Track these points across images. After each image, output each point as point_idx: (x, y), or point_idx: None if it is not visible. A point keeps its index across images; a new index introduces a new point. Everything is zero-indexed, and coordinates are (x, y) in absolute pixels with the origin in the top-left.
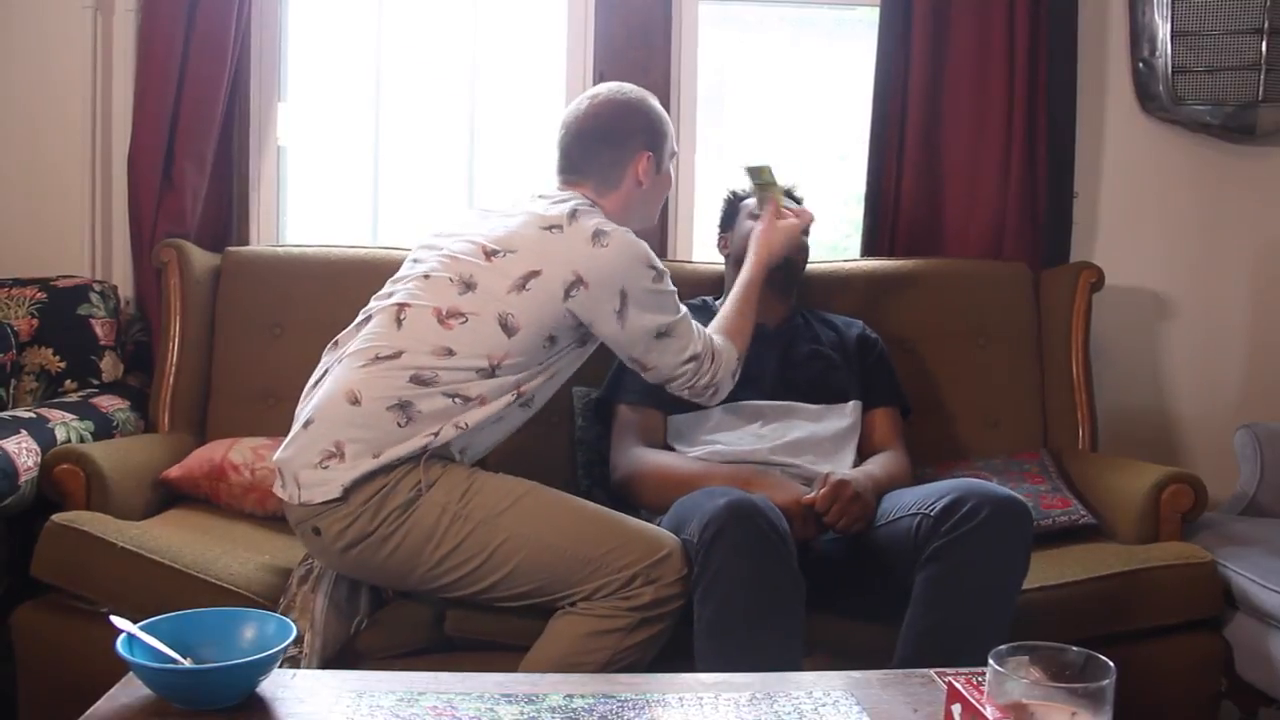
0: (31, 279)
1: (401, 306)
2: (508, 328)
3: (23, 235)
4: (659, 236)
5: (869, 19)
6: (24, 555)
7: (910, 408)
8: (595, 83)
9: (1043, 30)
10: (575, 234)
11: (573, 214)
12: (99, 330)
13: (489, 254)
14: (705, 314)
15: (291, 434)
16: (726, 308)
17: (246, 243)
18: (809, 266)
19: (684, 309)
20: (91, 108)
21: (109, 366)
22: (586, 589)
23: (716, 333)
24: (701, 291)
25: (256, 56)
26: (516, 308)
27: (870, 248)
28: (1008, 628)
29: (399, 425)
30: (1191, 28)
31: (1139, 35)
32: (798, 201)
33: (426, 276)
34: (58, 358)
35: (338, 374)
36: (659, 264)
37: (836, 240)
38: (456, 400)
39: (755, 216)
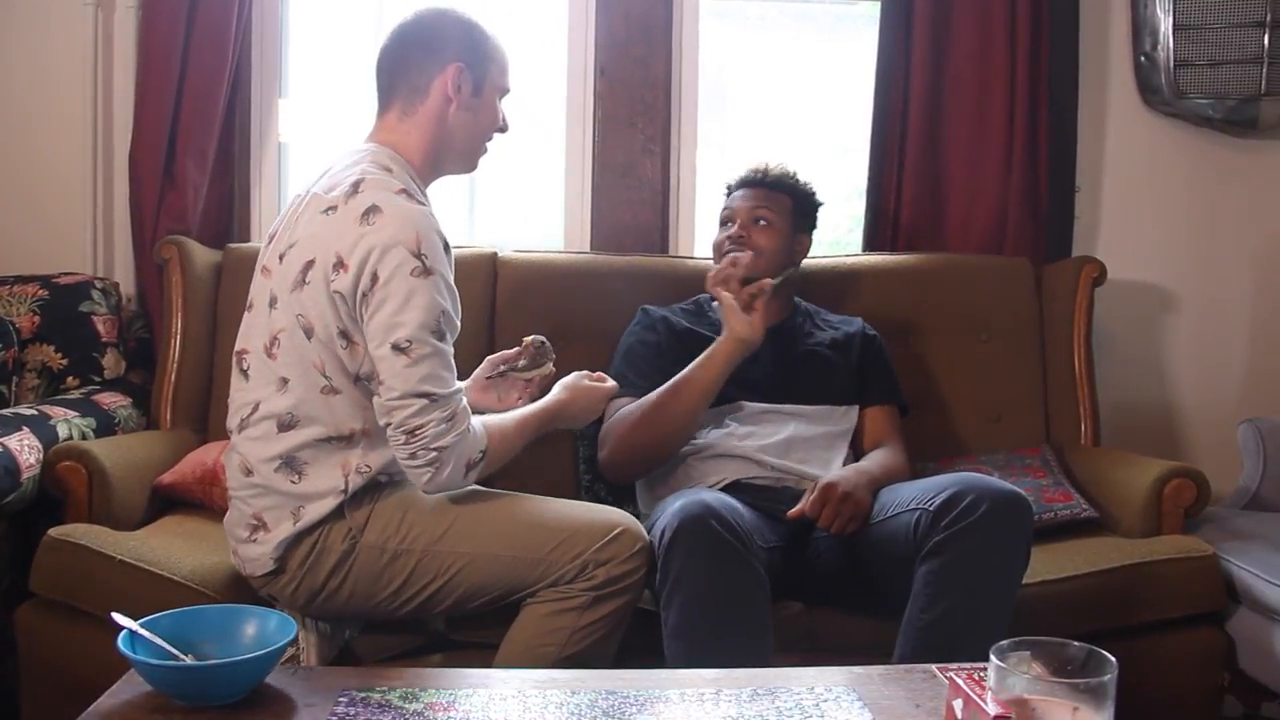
0: (33, 276)
1: (240, 356)
2: (306, 330)
3: (24, 232)
4: (659, 234)
5: (870, 14)
6: (26, 553)
7: (908, 406)
8: (597, 79)
9: (1044, 24)
10: (347, 213)
11: (353, 189)
12: (100, 327)
13: (282, 257)
14: (696, 315)
15: None
16: (505, 415)
17: (248, 239)
18: (811, 262)
19: (446, 347)
20: (92, 105)
21: (111, 363)
22: (544, 584)
23: (483, 420)
24: (702, 290)
25: (257, 53)
26: (303, 304)
27: (872, 243)
28: (1008, 622)
29: (293, 483)
30: (1193, 21)
31: (1140, 29)
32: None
33: (251, 307)
34: (59, 355)
35: (232, 444)
36: (437, 265)
37: (838, 236)
38: (333, 441)
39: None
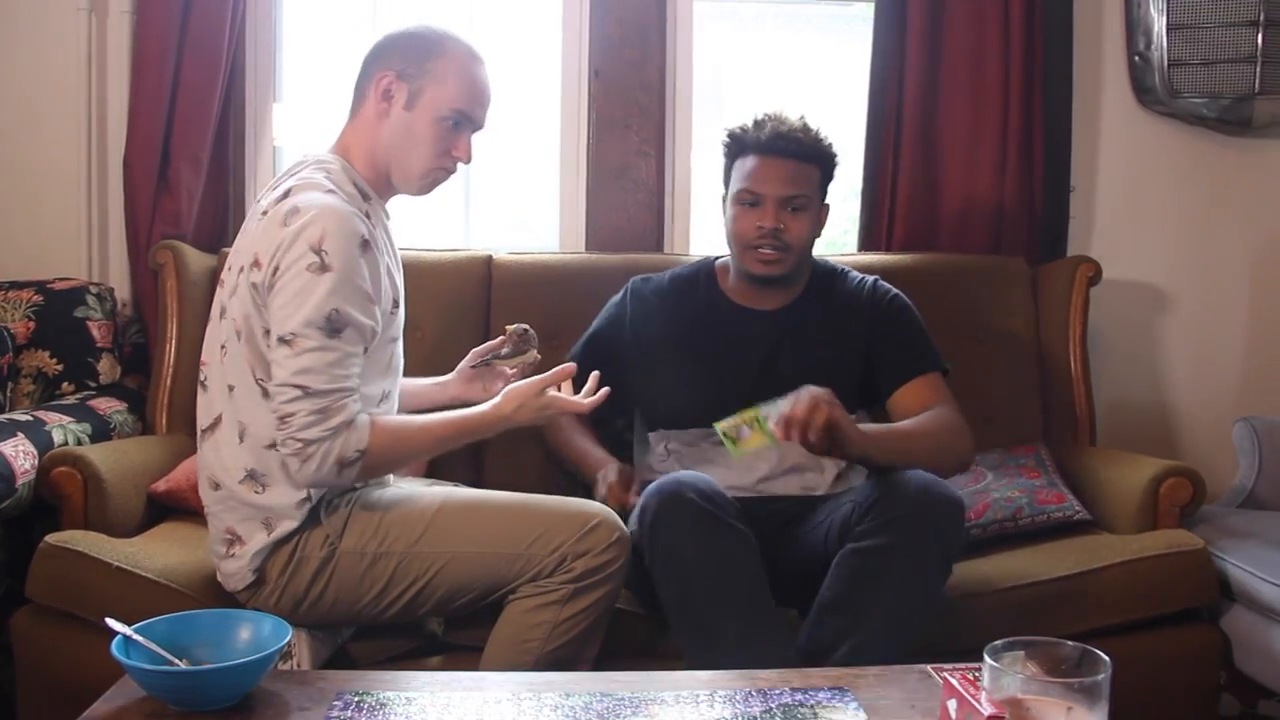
0: (28, 281)
1: (201, 369)
2: (238, 333)
3: (19, 238)
4: (654, 236)
5: (864, 14)
6: (22, 558)
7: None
8: (591, 81)
9: (1038, 24)
10: (274, 216)
11: (285, 194)
12: (96, 332)
13: (230, 268)
14: (687, 293)
15: None
16: (412, 417)
17: None
18: None
19: (337, 344)
20: (87, 110)
21: (106, 368)
22: (524, 578)
23: (378, 417)
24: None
25: (251, 57)
26: (236, 309)
27: (867, 243)
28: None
29: (257, 494)
30: (1187, 21)
31: (1134, 28)
32: None
33: (211, 321)
34: (55, 360)
35: (199, 460)
36: (337, 262)
37: (834, 236)
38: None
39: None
